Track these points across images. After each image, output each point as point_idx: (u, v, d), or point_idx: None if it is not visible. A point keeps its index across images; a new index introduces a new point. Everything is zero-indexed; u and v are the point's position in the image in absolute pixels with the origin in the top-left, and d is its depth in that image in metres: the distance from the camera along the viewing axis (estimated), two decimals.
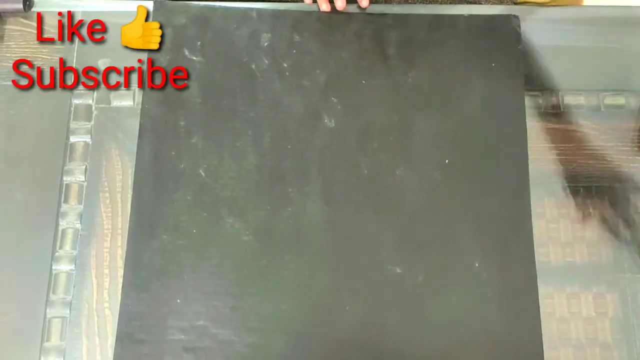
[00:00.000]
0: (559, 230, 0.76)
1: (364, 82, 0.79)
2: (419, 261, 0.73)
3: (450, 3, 0.81)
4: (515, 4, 0.87)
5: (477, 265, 0.74)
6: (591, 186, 0.79)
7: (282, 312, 0.71)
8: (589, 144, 0.81)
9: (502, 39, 0.83)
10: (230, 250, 0.73)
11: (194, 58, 0.80)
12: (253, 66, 0.80)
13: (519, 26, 0.83)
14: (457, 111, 0.79)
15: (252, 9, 0.83)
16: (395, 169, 0.77)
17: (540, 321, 0.72)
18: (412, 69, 0.80)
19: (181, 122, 0.77)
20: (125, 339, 0.70)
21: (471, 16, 0.84)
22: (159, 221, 0.73)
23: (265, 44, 0.81)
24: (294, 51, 0.81)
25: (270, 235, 0.74)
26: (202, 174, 0.75)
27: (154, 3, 0.82)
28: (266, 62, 0.80)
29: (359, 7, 0.82)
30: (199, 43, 0.81)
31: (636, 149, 0.80)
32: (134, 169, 0.76)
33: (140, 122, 0.77)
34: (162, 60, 0.80)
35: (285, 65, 0.80)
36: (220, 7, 0.83)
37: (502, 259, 0.74)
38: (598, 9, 0.86)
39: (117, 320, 0.71)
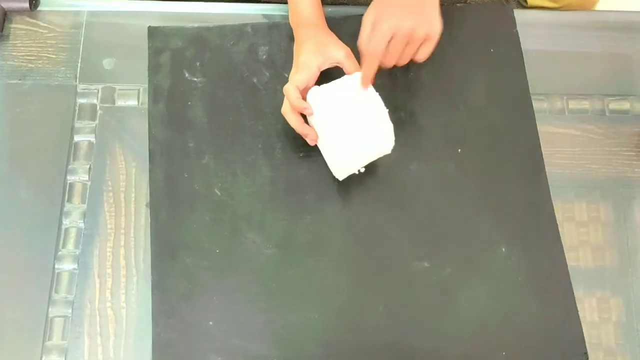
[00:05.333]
0: (563, 234, 0.76)
1: None
2: (444, 253, 0.73)
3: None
4: (524, 7, 0.87)
5: (503, 250, 0.73)
6: (596, 190, 0.78)
7: (314, 321, 0.71)
8: (593, 148, 0.80)
9: (497, 25, 0.84)
10: (254, 265, 0.72)
11: (195, 79, 0.80)
12: (255, 80, 0.80)
13: (512, 10, 0.84)
14: (463, 100, 0.80)
15: (246, 24, 0.83)
16: (409, 164, 0.77)
17: (574, 298, 0.72)
18: (412, 64, 0.80)
19: (190, 143, 0.77)
20: None
21: (464, 6, 0.85)
22: (180, 244, 0.73)
23: (264, 56, 0.82)
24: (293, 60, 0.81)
25: (293, 245, 0.73)
26: (218, 192, 0.75)
27: (149, 29, 0.82)
28: (267, 74, 0.81)
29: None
30: (198, 64, 0.81)
31: None
32: (137, 168, 0.76)
33: (149, 147, 0.77)
34: (163, 83, 0.80)
35: (286, 75, 0.79)
36: (214, 27, 0.83)
37: (528, 241, 0.74)
38: (605, 13, 0.87)
39: (118, 319, 0.71)
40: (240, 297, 0.71)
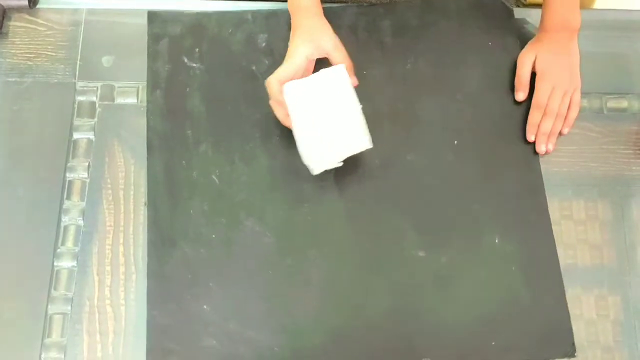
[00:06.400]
0: (561, 232, 0.76)
1: (364, 72, 0.79)
2: (440, 242, 0.74)
3: None
4: (525, 6, 0.87)
5: (497, 241, 0.74)
6: (593, 188, 0.79)
7: (312, 309, 0.71)
8: (591, 146, 0.81)
9: (494, 16, 0.84)
10: (253, 253, 0.73)
11: (194, 65, 0.80)
12: (253, 68, 0.81)
13: (508, 0, 0.85)
14: (460, 91, 0.80)
15: (246, 11, 0.83)
16: (406, 155, 0.77)
17: (563, 288, 0.73)
18: (410, 55, 0.81)
19: (188, 131, 0.77)
20: (157, 352, 0.69)
21: None
22: (179, 232, 0.73)
23: (263, 44, 0.82)
24: None
25: (291, 233, 0.74)
26: (216, 180, 0.75)
27: (148, 14, 0.82)
28: (266, 62, 0.81)
29: None
30: (197, 50, 0.81)
31: (638, 151, 0.80)
32: (136, 166, 0.76)
33: (147, 136, 0.77)
34: (162, 70, 0.80)
35: None
36: (214, 13, 0.83)
37: (521, 231, 0.75)
38: (603, 12, 0.87)
39: (117, 317, 0.71)
40: (239, 285, 0.72)
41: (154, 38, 0.81)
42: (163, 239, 0.73)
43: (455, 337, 0.71)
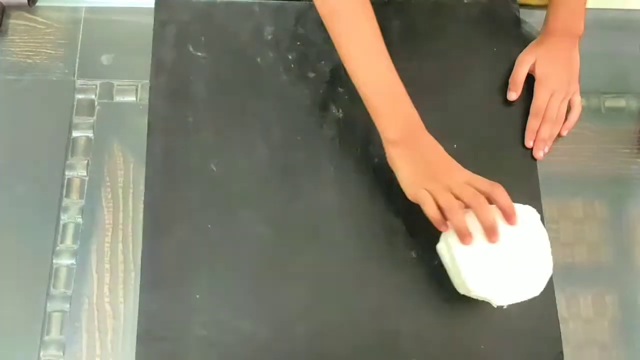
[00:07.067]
0: (559, 230, 0.77)
1: None
2: (433, 245, 0.73)
3: None
4: (523, 6, 0.87)
5: None
6: (591, 187, 0.79)
7: (301, 302, 0.71)
8: (589, 145, 0.81)
9: (501, 24, 0.85)
10: (246, 244, 0.73)
11: (199, 54, 0.80)
12: (258, 60, 0.81)
13: (518, 10, 0.85)
14: (462, 96, 0.80)
15: (254, 3, 0.83)
16: None
17: (554, 296, 0.73)
18: (415, 56, 0.81)
19: (189, 118, 0.77)
20: (147, 338, 0.69)
21: (470, 2, 0.85)
22: (174, 218, 0.73)
23: (269, 37, 0.82)
24: (298, 43, 0.81)
25: (285, 226, 0.74)
26: (214, 169, 0.75)
27: (156, 0, 0.83)
28: (271, 55, 0.81)
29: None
30: (203, 39, 0.81)
31: (636, 150, 0.81)
32: (135, 164, 0.77)
33: (148, 120, 0.77)
34: (167, 57, 0.80)
35: (290, 57, 0.80)
36: (222, 3, 0.83)
37: None
38: (598, 11, 0.87)
39: (116, 315, 0.71)
40: (230, 274, 0.72)
41: (160, 24, 0.81)
42: (158, 225, 0.73)
43: (443, 339, 0.71)
